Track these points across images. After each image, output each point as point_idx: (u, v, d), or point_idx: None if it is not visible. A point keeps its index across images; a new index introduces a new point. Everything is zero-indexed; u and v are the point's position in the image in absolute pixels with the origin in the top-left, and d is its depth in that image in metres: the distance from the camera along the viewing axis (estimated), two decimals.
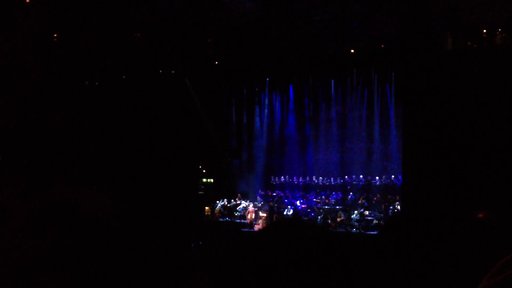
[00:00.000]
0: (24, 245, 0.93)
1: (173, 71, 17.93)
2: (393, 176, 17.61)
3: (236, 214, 18.45)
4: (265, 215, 17.56)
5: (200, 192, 19.62)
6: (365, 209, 16.82)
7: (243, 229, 17.28)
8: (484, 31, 13.11)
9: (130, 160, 17.43)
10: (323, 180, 19.13)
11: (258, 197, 19.15)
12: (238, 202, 18.89)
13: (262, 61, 16.53)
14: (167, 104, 18.04)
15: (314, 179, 19.32)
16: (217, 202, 19.08)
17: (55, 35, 15.25)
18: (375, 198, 17.61)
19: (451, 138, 12.64)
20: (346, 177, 18.77)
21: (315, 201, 18.31)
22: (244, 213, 18.25)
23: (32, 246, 0.92)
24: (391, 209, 16.42)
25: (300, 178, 19.61)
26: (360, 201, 17.49)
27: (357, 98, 18.55)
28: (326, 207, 17.67)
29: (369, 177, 18.25)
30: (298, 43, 15.30)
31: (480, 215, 2.21)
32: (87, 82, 18.01)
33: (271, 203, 18.31)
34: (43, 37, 14.97)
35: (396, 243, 1.88)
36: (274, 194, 19.25)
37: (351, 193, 18.16)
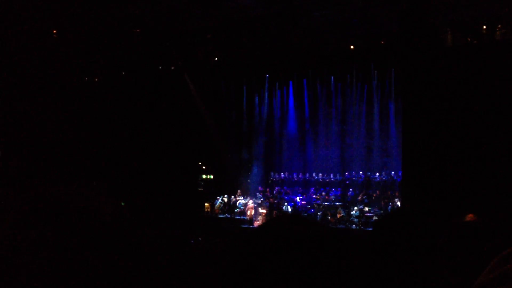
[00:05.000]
0: (18, 243, 0.92)
1: (172, 67, 17.91)
2: (393, 173, 17.62)
3: (236, 211, 18.45)
4: (264, 211, 17.55)
5: (199, 188, 19.62)
6: (364, 206, 16.84)
7: (242, 226, 17.28)
8: (484, 27, 13.08)
9: (130, 156, 17.43)
10: (322, 176, 19.13)
11: (257, 193, 19.15)
12: (238, 198, 18.90)
13: (262, 57, 16.50)
14: (167, 100, 18.02)
15: (313, 175, 19.32)
16: (217, 198, 19.08)
17: (54, 31, 15.22)
18: (374, 195, 17.62)
19: (451, 135, 12.64)
20: (346, 173, 18.78)
21: (314, 197, 18.32)
22: (244, 209, 18.25)
23: (25, 244, 0.91)
24: (390, 205, 16.43)
25: (300, 174, 19.62)
26: (359, 198, 17.50)
27: (356, 94, 18.54)
28: (325, 203, 17.67)
29: (368, 173, 18.26)
30: (298, 39, 15.28)
31: (474, 218, 2.20)
32: (86, 79, 18.00)
33: (270, 200, 18.31)
34: (42, 33, 14.94)
35: (391, 240, 1.86)
36: (274, 190, 19.27)
37: (350, 189, 18.17)
